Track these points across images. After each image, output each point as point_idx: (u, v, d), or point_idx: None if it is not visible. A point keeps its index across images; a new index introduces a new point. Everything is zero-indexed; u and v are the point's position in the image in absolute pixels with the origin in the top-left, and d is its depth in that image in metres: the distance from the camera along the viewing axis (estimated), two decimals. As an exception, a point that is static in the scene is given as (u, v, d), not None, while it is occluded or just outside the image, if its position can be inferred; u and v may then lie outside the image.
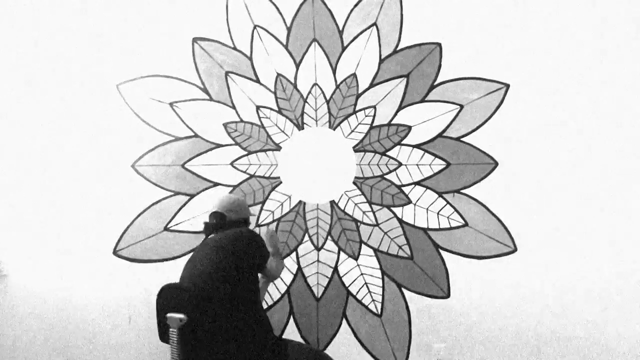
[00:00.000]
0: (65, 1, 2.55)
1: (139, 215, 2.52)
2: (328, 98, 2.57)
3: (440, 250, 2.53)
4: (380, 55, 2.56)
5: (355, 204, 2.56)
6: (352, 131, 2.57)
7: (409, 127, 2.55)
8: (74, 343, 2.51)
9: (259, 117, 2.57)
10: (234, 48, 2.56)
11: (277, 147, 2.57)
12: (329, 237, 2.56)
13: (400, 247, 2.54)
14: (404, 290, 2.54)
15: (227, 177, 2.55)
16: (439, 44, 2.54)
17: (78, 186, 2.53)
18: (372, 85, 2.56)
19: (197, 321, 1.88)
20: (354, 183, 2.56)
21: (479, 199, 2.53)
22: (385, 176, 2.56)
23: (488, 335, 2.52)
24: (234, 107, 2.57)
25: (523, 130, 2.52)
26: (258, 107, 2.57)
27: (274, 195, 2.56)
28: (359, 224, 2.56)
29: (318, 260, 2.56)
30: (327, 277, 2.55)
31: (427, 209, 2.54)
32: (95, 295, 2.51)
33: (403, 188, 2.55)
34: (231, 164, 2.56)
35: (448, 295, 2.53)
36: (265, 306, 2.53)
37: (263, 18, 2.56)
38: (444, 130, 2.54)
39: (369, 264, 2.55)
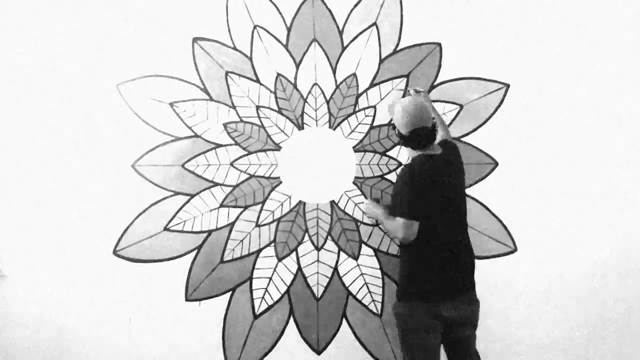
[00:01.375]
0: (65, 1, 2.55)
1: (139, 215, 2.52)
2: (328, 98, 2.57)
3: (440, 250, 2.53)
4: (380, 55, 2.56)
5: (356, 204, 2.56)
6: (352, 131, 2.57)
7: (409, 127, 2.54)
8: (73, 344, 2.51)
9: (259, 117, 2.57)
10: (234, 48, 2.56)
11: (277, 147, 2.57)
12: (329, 237, 2.56)
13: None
14: (404, 290, 2.54)
15: (227, 177, 2.55)
16: (439, 44, 2.54)
17: (78, 186, 2.53)
18: (372, 85, 2.56)
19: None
20: (354, 183, 2.56)
21: (479, 199, 2.53)
22: (385, 176, 2.56)
23: (488, 335, 2.52)
24: (234, 107, 2.57)
25: (523, 130, 2.52)
26: (258, 107, 2.57)
27: (274, 195, 2.56)
28: (359, 224, 2.56)
29: (318, 260, 2.56)
30: (327, 277, 2.55)
31: (427, 209, 2.54)
32: (95, 296, 2.51)
33: (403, 188, 2.55)
34: (231, 164, 2.56)
35: (448, 295, 2.52)
36: (265, 306, 2.54)
37: (263, 18, 2.56)
38: (444, 130, 2.54)
39: (369, 264, 2.55)
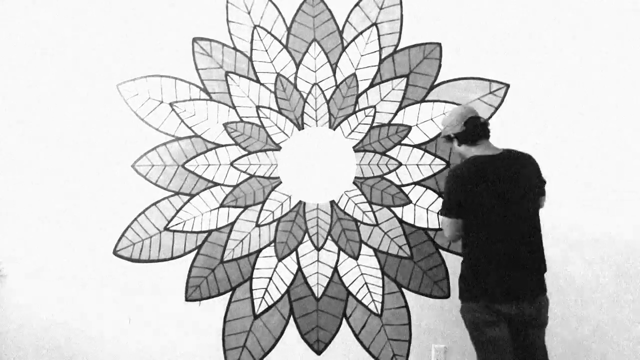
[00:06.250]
0: (66, 1, 2.55)
1: (139, 215, 2.52)
2: (328, 98, 2.57)
3: (440, 250, 2.53)
4: (380, 55, 2.56)
5: (355, 204, 2.56)
6: (352, 131, 2.57)
7: (409, 127, 2.55)
8: (73, 344, 2.51)
9: (259, 117, 2.57)
10: (234, 48, 2.56)
11: (277, 147, 2.57)
12: (329, 237, 2.56)
13: (400, 247, 2.54)
14: (404, 290, 2.54)
15: (227, 177, 2.55)
16: (439, 44, 2.54)
17: (78, 186, 2.53)
18: (372, 85, 2.56)
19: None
20: (354, 183, 2.56)
21: (479, 199, 2.52)
22: (385, 176, 2.55)
23: (488, 335, 2.51)
24: (234, 107, 2.57)
25: (523, 130, 2.52)
26: (258, 107, 2.57)
27: (274, 195, 2.56)
28: (359, 224, 2.56)
29: (318, 260, 2.56)
30: (327, 277, 2.55)
31: (427, 209, 2.54)
32: (95, 296, 2.51)
33: (403, 188, 2.55)
34: (231, 164, 2.56)
35: (448, 295, 2.53)
36: (265, 306, 2.54)
37: (263, 18, 2.56)
38: (444, 130, 2.54)
39: (369, 264, 2.55)
